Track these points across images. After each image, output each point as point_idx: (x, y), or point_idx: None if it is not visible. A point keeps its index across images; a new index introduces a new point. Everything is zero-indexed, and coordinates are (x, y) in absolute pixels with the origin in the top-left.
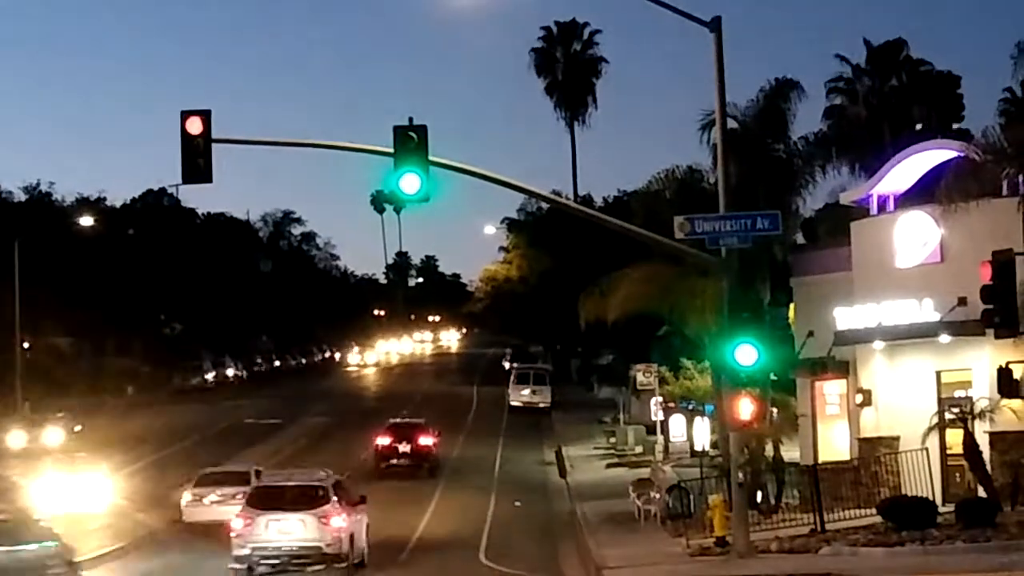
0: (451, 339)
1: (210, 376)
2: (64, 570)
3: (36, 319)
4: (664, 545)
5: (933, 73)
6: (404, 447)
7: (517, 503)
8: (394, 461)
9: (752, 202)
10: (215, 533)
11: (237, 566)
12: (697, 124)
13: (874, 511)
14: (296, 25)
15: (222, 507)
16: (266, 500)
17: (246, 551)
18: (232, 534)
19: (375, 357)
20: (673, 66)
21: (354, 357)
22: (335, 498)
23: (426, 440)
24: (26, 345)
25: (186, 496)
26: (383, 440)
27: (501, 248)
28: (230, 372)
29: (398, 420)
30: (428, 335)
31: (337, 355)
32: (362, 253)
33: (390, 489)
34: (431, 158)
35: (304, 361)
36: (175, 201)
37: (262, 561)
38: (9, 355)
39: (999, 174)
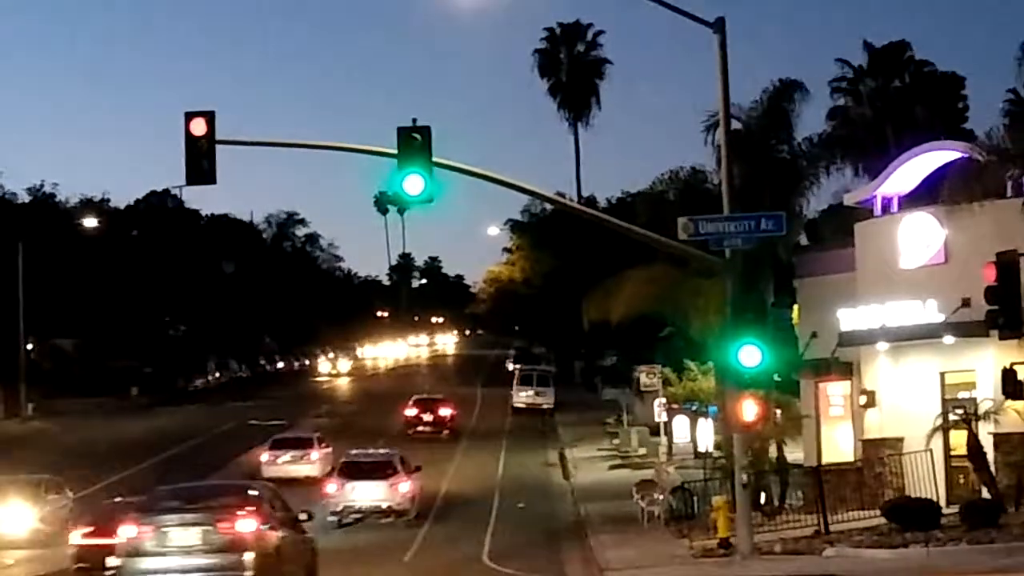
0: (448, 342)
1: (211, 377)
2: None
3: (40, 320)
4: (668, 547)
5: (937, 74)
6: (427, 416)
7: (520, 505)
8: (420, 428)
9: (756, 203)
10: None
11: (333, 518)
12: (701, 125)
13: (878, 512)
14: (300, 26)
15: (291, 466)
16: (352, 470)
17: (339, 508)
18: (328, 495)
19: (348, 365)
20: (677, 67)
21: (325, 365)
22: (400, 469)
23: (445, 411)
24: (30, 346)
25: (264, 456)
26: (410, 411)
27: (505, 249)
28: (215, 376)
29: (422, 396)
30: (424, 338)
31: (314, 361)
32: (365, 255)
33: (417, 452)
34: (435, 159)
35: (266, 368)
36: (179, 202)
37: (350, 515)
38: (13, 356)
39: (1003, 175)
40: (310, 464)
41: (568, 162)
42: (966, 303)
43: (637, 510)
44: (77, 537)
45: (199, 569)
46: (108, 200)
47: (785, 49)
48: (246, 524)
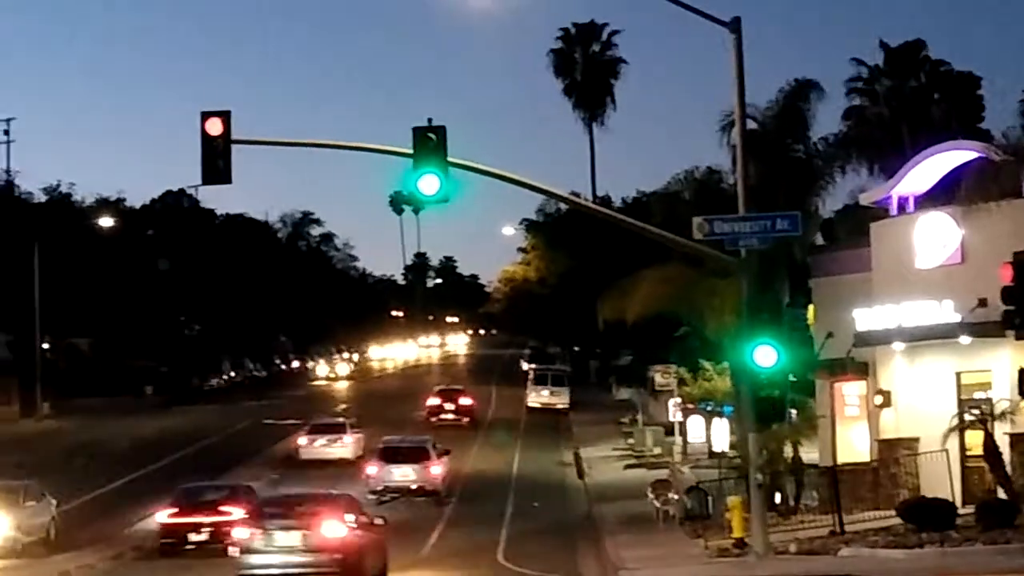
0: (459, 343)
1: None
2: None
3: (56, 320)
4: (682, 546)
5: (953, 74)
6: (449, 406)
7: (535, 504)
8: (442, 416)
9: (772, 203)
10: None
11: (372, 496)
12: (716, 125)
13: (893, 512)
14: (315, 27)
15: (326, 448)
16: (390, 454)
17: (379, 487)
18: (369, 476)
19: (346, 368)
20: (692, 67)
21: (322, 368)
22: (433, 453)
23: (465, 401)
24: (46, 346)
25: (302, 440)
26: (433, 401)
27: (519, 249)
28: (230, 375)
29: (443, 387)
30: (436, 339)
31: (314, 362)
32: (380, 254)
33: (440, 439)
34: (450, 159)
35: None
36: (194, 202)
37: (388, 493)
38: (29, 356)
39: (1020, 175)
40: (343, 447)
41: (583, 162)
42: (982, 303)
43: (652, 510)
44: (163, 516)
45: (298, 565)
46: (124, 200)
47: (801, 49)
48: (336, 529)
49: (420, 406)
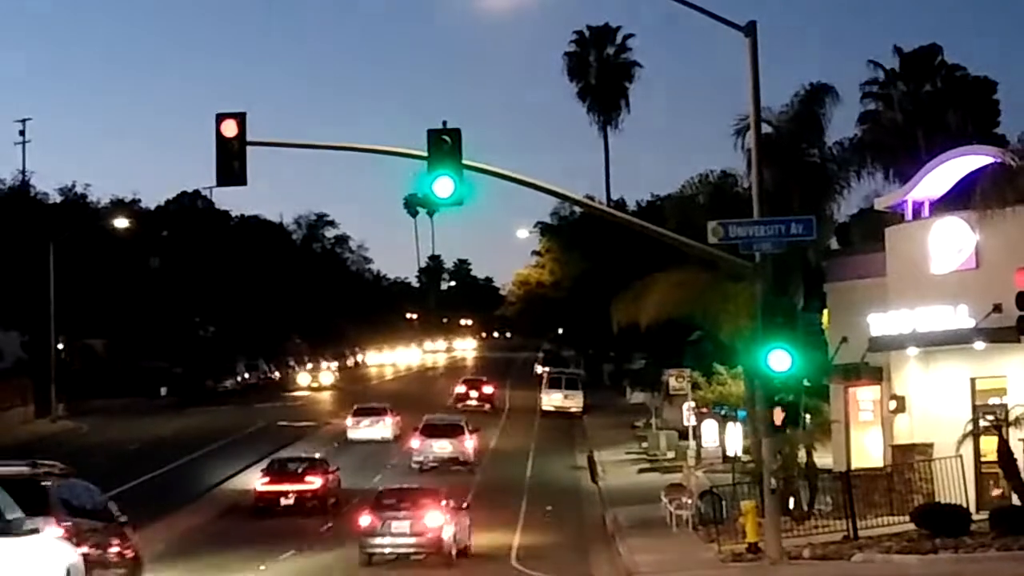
0: (468, 346)
1: (240, 378)
2: None
3: (71, 320)
4: (696, 551)
5: (969, 79)
6: (473, 393)
7: (548, 508)
8: (467, 402)
9: (786, 207)
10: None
11: (416, 465)
12: (731, 129)
13: (907, 518)
14: (330, 29)
15: (369, 429)
16: (431, 430)
17: (420, 458)
18: (412, 449)
19: (330, 377)
20: (707, 70)
21: (303, 378)
22: (466, 430)
23: (487, 389)
24: (60, 346)
25: (348, 422)
26: (460, 389)
27: (534, 252)
28: (244, 376)
29: (468, 377)
30: (442, 343)
31: (297, 370)
32: (395, 256)
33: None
34: (464, 162)
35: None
36: (209, 203)
37: (429, 463)
38: (44, 356)
39: None
40: (384, 428)
41: (597, 165)
42: (997, 308)
43: (665, 514)
44: (258, 484)
45: (406, 547)
46: (139, 201)
47: (816, 53)
48: (435, 519)
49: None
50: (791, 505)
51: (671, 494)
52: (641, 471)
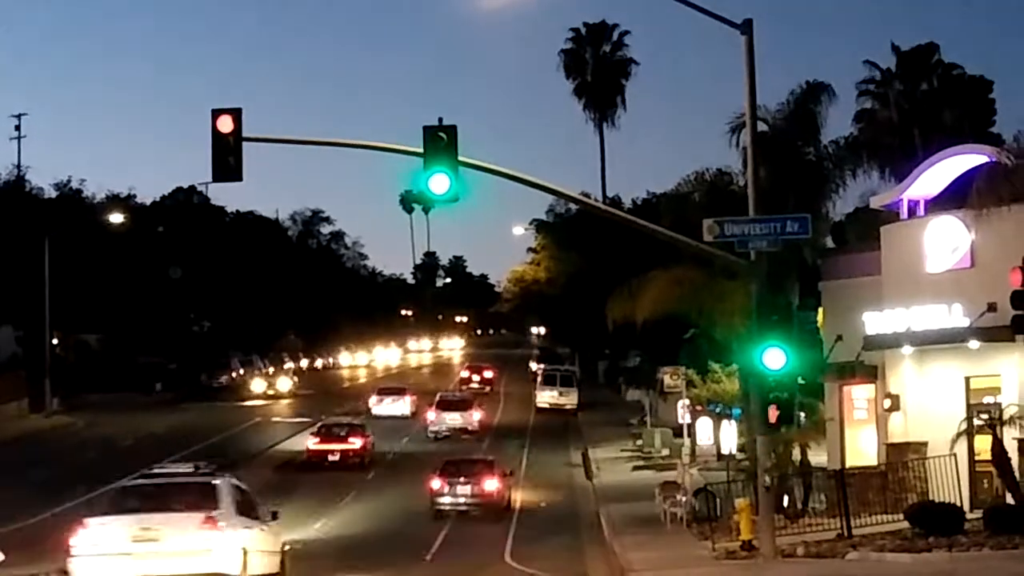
0: (456, 346)
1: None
2: None
3: (65, 315)
4: (690, 548)
5: (965, 77)
6: (476, 377)
7: (541, 503)
8: (471, 385)
9: (782, 205)
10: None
11: (431, 434)
12: (727, 126)
13: (901, 517)
14: (326, 25)
15: (391, 406)
16: (444, 405)
17: (436, 428)
18: (429, 421)
19: (288, 383)
20: (703, 68)
21: (258, 384)
22: (474, 405)
23: (488, 374)
24: (55, 341)
25: (372, 399)
26: (464, 374)
27: (529, 249)
28: (239, 372)
29: (472, 363)
30: (427, 342)
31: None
32: (390, 253)
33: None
34: (460, 158)
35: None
36: (205, 199)
37: (443, 432)
38: (39, 351)
39: None
40: (404, 405)
41: (593, 162)
42: (992, 308)
43: (660, 511)
44: (310, 444)
45: (467, 504)
46: (134, 196)
47: (812, 51)
48: (490, 484)
49: None
50: (785, 503)
51: (665, 491)
52: (635, 468)
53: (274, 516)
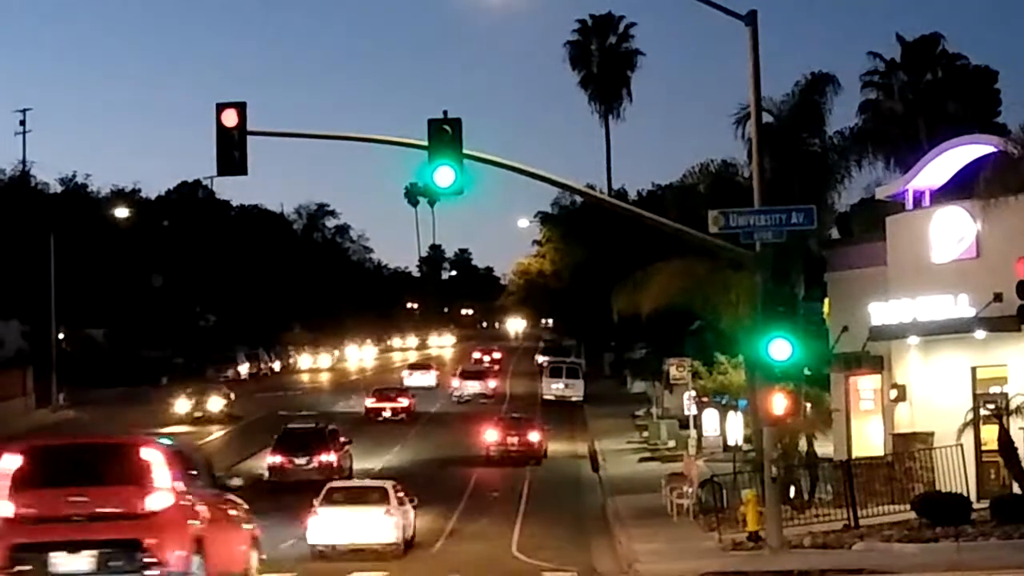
0: (446, 343)
1: (243, 368)
2: None
3: (71, 310)
4: (697, 540)
5: (969, 68)
6: (487, 358)
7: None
8: (482, 364)
9: (787, 196)
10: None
11: (455, 399)
12: (732, 118)
13: (908, 507)
14: (331, 19)
15: (420, 378)
16: (467, 375)
17: (459, 393)
18: (453, 388)
19: (220, 403)
20: (708, 60)
21: (182, 404)
22: (492, 374)
23: (497, 355)
24: (61, 336)
25: (405, 372)
26: (476, 355)
27: (534, 242)
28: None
29: (482, 347)
30: (413, 340)
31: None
32: (395, 246)
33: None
34: (465, 151)
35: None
36: (209, 193)
37: (465, 396)
38: (45, 346)
39: None
40: (430, 378)
41: (598, 154)
42: (998, 298)
43: (666, 503)
44: (368, 403)
45: (519, 453)
46: (139, 190)
47: (816, 42)
48: (535, 435)
49: None
50: (792, 494)
51: (672, 483)
52: (642, 460)
53: None
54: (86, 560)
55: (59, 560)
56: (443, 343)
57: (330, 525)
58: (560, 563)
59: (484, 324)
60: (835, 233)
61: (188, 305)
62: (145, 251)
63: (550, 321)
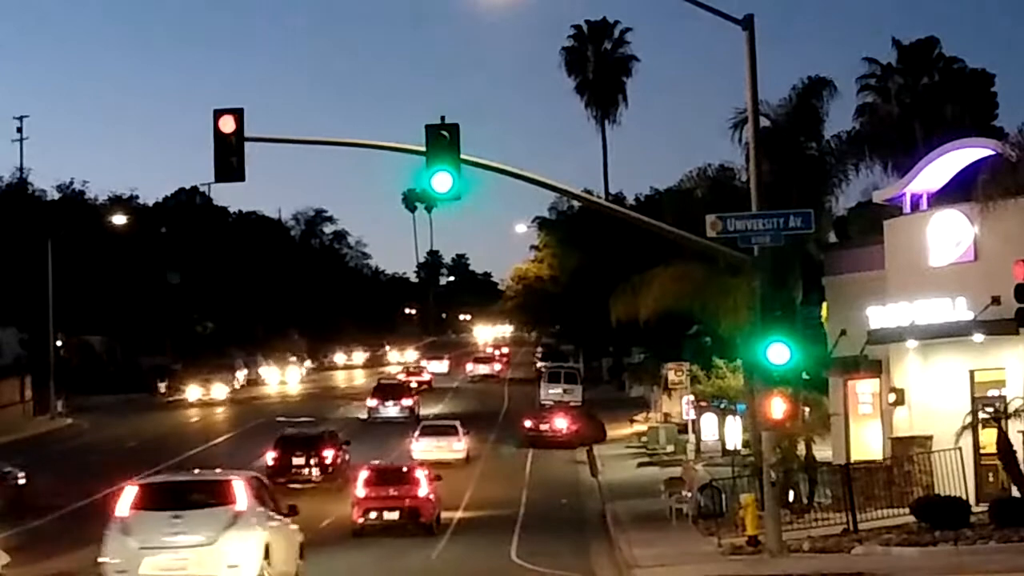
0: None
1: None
2: None
3: (69, 317)
4: (696, 544)
5: (966, 71)
6: (498, 352)
7: (563, 501)
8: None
9: (784, 200)
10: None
11: (470, 379)
12: (729, 122)
13: (907, 511)
14: (327, 24)
15: (436, 368)
16: (477, 360)
17: (472, 374)
18: (468, 371)
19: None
20: (705, 64)
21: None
22: (500, 360)
23: (505, 349)
24: (59, 343)
25: (424, 362)
26: (488, 350)
27: (532, 247)
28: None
29: (479, 355)
30: (359, 356)
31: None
32: (393, 252)
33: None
34: (463, 156)
35: None
36: (207, 200)
37: (477, 378)
38: (43, 353)
39: None
40: (444, 365)
41: (595, 159)
42: (996, 301)
43: (665, 508)
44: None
45: (550, 436)
46: (137, 197)
47: (814, 46)
48: (562, 421)
49: None
50: (791, 498)
51: (670, 487)
52: (640, 465)
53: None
54: None
55: None
56: (405, 360)
57: (424, 446)
58: (559, 568)
59: (454, 333)
60: (833, 237)
61: (186, 312)
62: (143, 258)
63: (533, 333)
